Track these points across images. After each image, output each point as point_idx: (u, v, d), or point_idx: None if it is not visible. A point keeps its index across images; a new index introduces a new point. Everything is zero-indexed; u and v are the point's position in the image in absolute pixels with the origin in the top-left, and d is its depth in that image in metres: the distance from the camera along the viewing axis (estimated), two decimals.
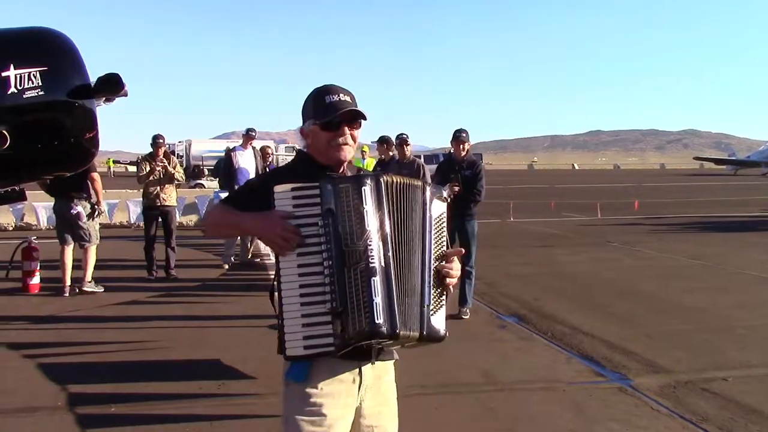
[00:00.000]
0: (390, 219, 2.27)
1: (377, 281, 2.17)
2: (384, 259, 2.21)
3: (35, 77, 7.05)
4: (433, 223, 2.39)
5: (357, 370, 2.38)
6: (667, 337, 6.84)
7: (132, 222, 16.76)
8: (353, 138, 2.47)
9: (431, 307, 2.30)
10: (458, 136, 7.71)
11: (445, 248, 2.41)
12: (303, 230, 2.22)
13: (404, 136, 8.94)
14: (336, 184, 2.26)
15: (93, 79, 6.95)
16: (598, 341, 6.65)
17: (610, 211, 21.70)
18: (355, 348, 2.20)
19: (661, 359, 6.06)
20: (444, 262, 2.38)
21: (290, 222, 2.24)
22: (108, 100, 7.85)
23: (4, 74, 6.89)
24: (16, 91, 6.98)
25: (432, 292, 2.32)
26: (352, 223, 2.20)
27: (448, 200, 7.54)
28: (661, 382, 5.48)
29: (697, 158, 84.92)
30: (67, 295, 8.63)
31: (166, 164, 10.02)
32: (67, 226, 8.78)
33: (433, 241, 2.36)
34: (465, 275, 7.69)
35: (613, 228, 17.53)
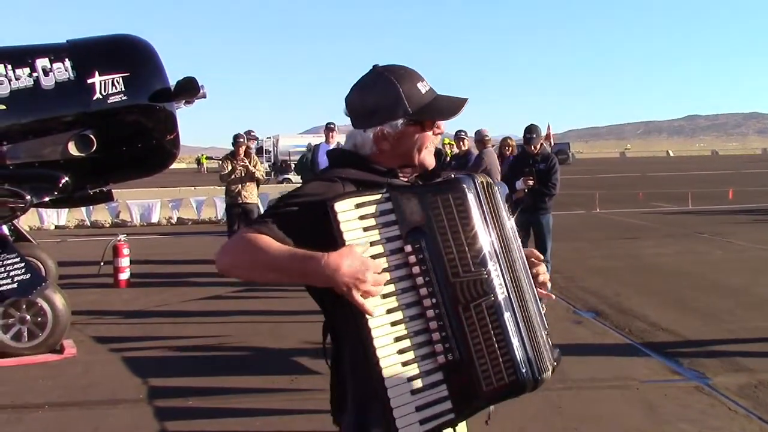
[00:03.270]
0: (495, 233, 1.76)
1: (509, 318, 1.68)
2: (506, 287, 1.71)
3: (118, 83, 7.34)
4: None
5: None
6: (753, 334, 6.55)
7: (219, 218, 17.33)
8: None
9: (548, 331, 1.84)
10: (529, 138, 7.72)
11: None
12: (382, 262, 1.66)
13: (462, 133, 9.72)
14: (422, 192, 1.72)
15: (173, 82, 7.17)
16: (678, 338, 6.46)
17: (702, 200, 20.86)
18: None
19: (743, 358, 5.82)
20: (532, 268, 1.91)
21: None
22: (188, 102, 8.10)
23: (89, 81, 7.22)
24: (101, 96, 7.30)
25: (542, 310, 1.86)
26: (461, 244, 1.68)
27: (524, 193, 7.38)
28: (741, 382, 5.28)
29: None
30: None
31: (247, 163, 10.33)
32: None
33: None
34: None
35: (705, 218, 16.86)
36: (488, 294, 1.67)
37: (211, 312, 7.88)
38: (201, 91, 6.77)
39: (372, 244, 1.66)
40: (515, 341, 1.67)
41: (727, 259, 11.02)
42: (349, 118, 1.93)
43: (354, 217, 1.65)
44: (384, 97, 1.84)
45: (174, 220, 17.88)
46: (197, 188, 20.53)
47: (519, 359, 1.66)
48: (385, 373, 1.61)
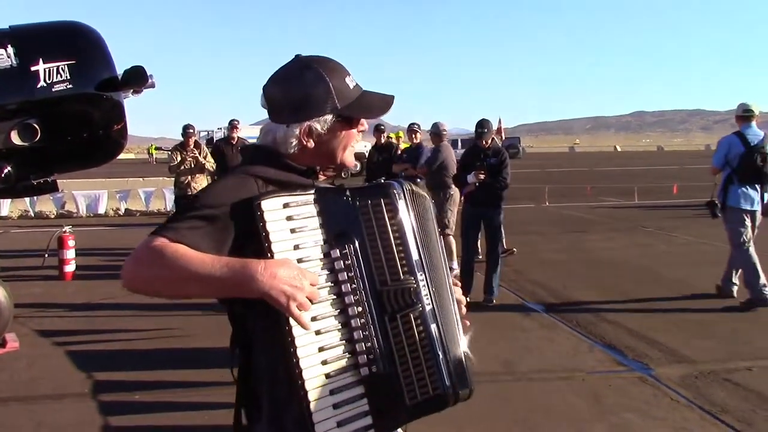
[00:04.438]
0: (422, 241, 1.69)
1: (434, 330, 1.62)
2: (432, 298, 1.65)
3: (64, 71, 7.15)
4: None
5: None
6: (695, 325, 6.75)
7: (168, 209, 17.05)
8: None
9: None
10: (480, 133, 7.75)
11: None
12: (308, 267, 1.55)
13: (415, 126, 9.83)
14: (352, 196, 1.63)
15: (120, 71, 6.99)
16: (622, 330, 6.59)
17: (648, 194, 21.36)
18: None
19: (685, 348, 5.99)
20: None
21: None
22: (136, 91, 7.92)
23: (33, 68, 7.01)
24: (45, 84, 7.09)
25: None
26: (390, 251, 1.61)
27: (475, 186, 7.42)
28: (682, 372, 5.43)
29: None
30: None
31: (197, 154, 10.18)
32: None
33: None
34: (491, 263, 7.70)
35: (650, 212, 17.27)
36: (416, 304, 1.61)
37: (158, 305, 7.71)
38: (149, 80, 6.60)
39: (298, 247, 1.55)
40: (441, 354, 1.61)
41: (670, 252, 11.31)
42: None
43: (281, 217, 1.55)
44: (313, 90, 1.71)
45: (122, 212, 17.54)
46: (146, 179, 20.18)
47: (444, 372, 1.61)
48: (308, 385, 1.52)
